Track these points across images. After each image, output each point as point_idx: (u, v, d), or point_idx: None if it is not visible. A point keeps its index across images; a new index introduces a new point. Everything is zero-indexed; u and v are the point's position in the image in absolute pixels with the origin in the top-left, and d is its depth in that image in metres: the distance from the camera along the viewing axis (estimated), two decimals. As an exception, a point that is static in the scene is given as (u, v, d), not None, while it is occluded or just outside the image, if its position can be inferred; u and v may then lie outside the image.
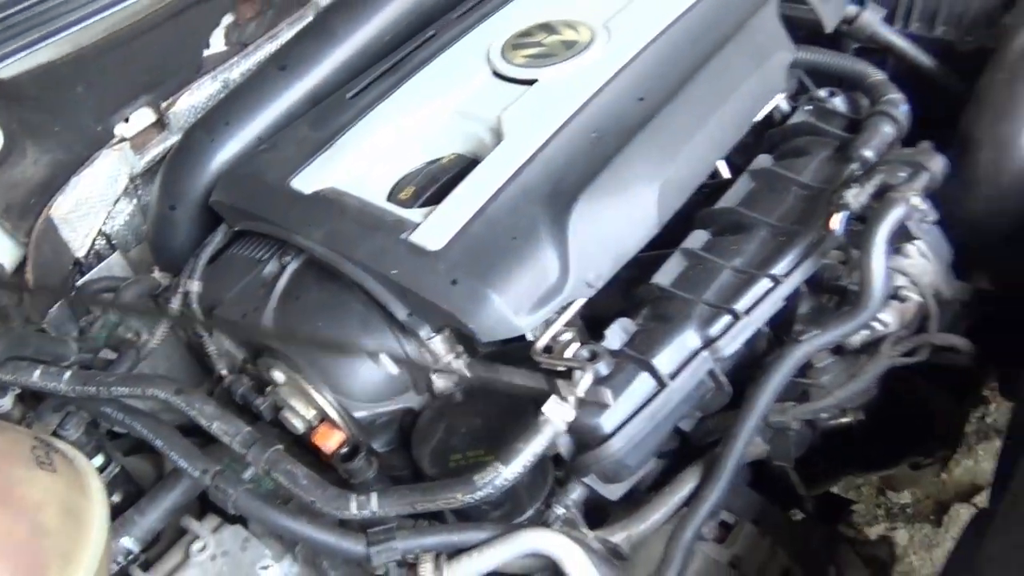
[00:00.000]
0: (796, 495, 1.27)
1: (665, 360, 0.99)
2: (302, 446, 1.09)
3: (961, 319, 1.17)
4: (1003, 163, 1.15)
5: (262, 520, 0.98)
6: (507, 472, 0.90)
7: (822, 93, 1.28)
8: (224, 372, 1.16)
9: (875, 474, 1.41)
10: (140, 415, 1.08)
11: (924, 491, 2.42)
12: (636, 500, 1.07)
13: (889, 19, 1.44)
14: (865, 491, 2.47)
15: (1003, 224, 1.18)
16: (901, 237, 1.05)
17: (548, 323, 1.02)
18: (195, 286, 1.19)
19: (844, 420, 1.13)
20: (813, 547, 1.16)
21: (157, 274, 1.29)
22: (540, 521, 1.00)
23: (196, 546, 1.03)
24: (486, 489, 0.90)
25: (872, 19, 1.38)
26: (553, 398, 0.93)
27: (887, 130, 1.15)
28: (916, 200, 1.00)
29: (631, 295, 1.11)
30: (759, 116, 1.24)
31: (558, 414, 0.92)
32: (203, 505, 1.12)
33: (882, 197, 1.02)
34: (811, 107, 1.27)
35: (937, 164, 1.06)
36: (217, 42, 1.55)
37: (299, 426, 1.07)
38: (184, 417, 1.07)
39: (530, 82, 1.22)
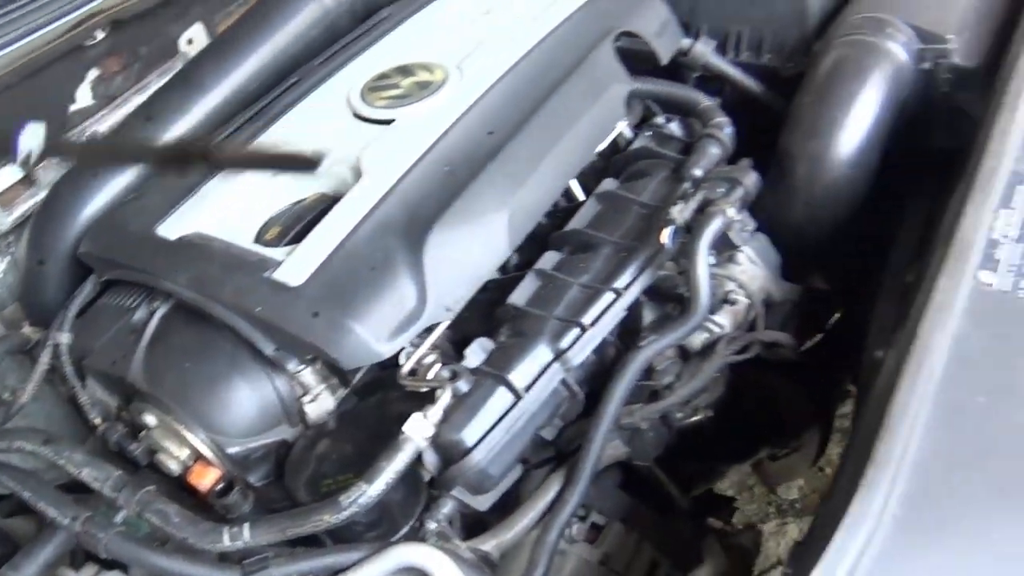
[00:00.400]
0: (670, 495, 1.36)
1: (520, 374, 1.06)
2: (183, 488, 1.11)
3: (791, 317, 1.28)
4: (816, 176, 1.28)
5: (135, 561, 1.00)
6: (371, 490, 0.95)
7: (660, 120, 1.40)
8: (98, 421, 1.17)
9: (735, 465, 1.50)
10: (7, 468, 1.08)
11: (810, 486, 2.57)
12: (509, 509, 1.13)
13: (722, 49, 1.58)
14: (756, 491, 2.61)
15: (820, 230, 1.31)
16: (727, 246, 1.16)
17: (415, 347, 1.09)
18: (64, 338, 1.20)
19: (695, 418, 1.22)
20: (679, 540, 1.24)
21: (27, 329, 1.30)
22: (415, 538, 1.05)
23: (72, 595, 1.04)
24: (352, 508, 0.94)
25: (704, 50, 1.51)
26: (414, 416, 0.99)
27: (714, 151, 1.27)
28: (732, 212, 1.11)
29: (492, 316, 1.18)
30: (603, 144, 1.34)
31: (418, 431, 0.98)
32: (87, 557, 1.13)
33: (704, 211, 1.12)
34: (650, 133, 1.38)
35: (751, 179, 1.17)
36: (84, 96, 1.57)
37: (174, 467, 1.09)
38: (63, 474, 1.07)
39: (388, 122, 1.29)
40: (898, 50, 1.31)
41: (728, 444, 1.35)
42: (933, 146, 1.37)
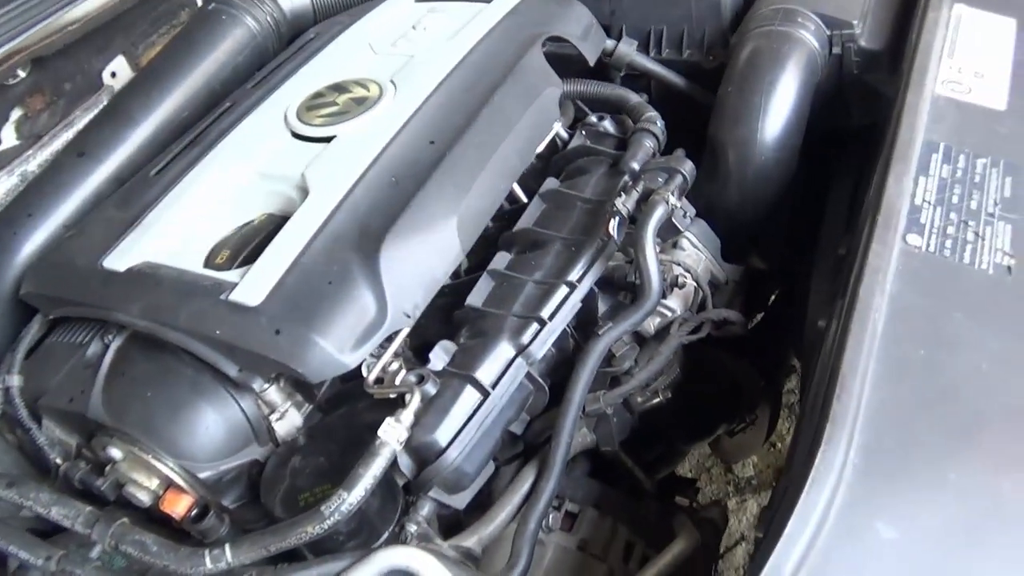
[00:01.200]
0: (636, 479, 1.39)
1: (485, 372, 1.09)
2: (154, 521, 1.09)
3: (736, 296, 1.34)
4: (746, 160, 1.35)
5: (118, 594, 0.99)
6: (351, 497, 0.96)
7: (593, 118, 1.44)
8: (59, 461, 1.14)
9: (697, 443, 1.55)
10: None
11: (764, 462, 2.66)
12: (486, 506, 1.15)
13: (644, 48, 1.64)
14: (714, 472, 2.69)
15: (755, 211, 1.38)
16: (671, 232, 1.21)
17: (377, 356, 1.10)
18: (15, 380, 1.17)
19: (656, 400, 1.26)
20: (651, 521, 1.28)
21: (-29, 377, 1.25)
22: (396, 542, 1.06)
23: (51, 639, 1.01)
24: (334, 517, 0.95)
25: (627, 50, 1.57)
26: (387, 421, 1.00)
27: (648, 144, 1.32)
28: (673, 199, 1.16)
29: (452, 320, 1.20)
30: (542, 146, 1.38)
31: (392, 435, 0.99)
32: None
33: (646, 200, 1.17)
34: (585, 131, 1.42)
35: (687, 167, 1.23)
36: (9, 136, 1.53)
37: (145, 499, 1.08)
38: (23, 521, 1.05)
39: (328, 139, 1.30)
40: (809, 37, 1.39)
41: (688, 423, 1.40)
42: (852, 125, 1.46)
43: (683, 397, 1.30)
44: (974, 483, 0.82)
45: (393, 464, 1.05)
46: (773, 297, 1.77)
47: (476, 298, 1.18)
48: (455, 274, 1.30)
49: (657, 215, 1.15)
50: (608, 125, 1.43)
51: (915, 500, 0.81)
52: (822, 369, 0.98)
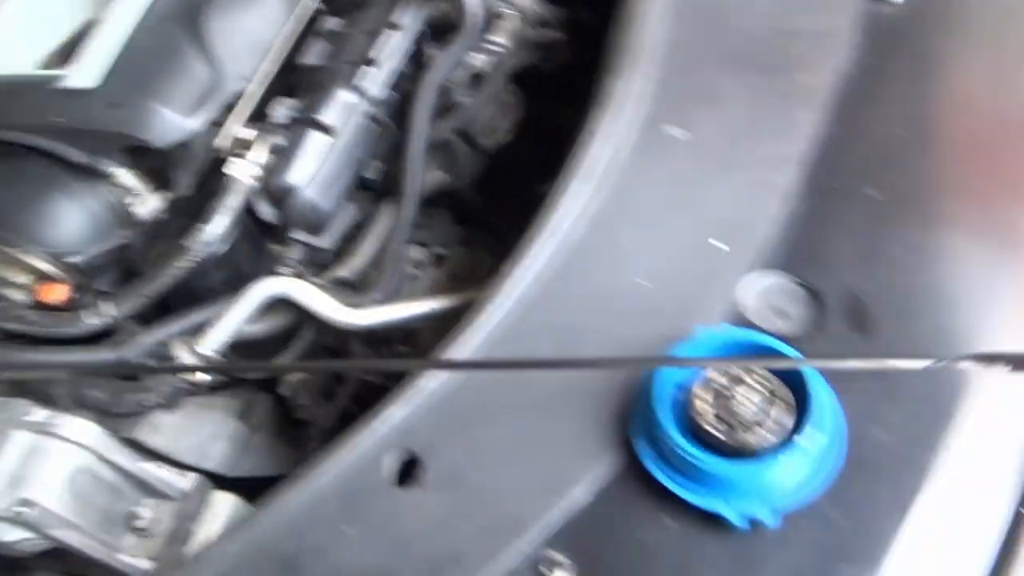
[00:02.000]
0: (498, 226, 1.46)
1: (327, 115, 1.14)
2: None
3: (564, 39, 1.40)
4: None
5: (5, 363, 1.03)
6: (210, 227, 1.02)
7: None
8: (-74, 282, 1.15)
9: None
10: None
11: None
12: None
13: None
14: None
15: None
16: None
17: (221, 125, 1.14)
18: None
19: (499, 137, 1.33)
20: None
21: None
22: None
23: (-48, 430, 1.04)
24: (196, 248, 1.01)
25: None
26: (232, 159, 1.05)
27: None
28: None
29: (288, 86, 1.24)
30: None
31: (239, 170, 1.05)
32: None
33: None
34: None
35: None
36: None
37: (21, 297, 1.11)
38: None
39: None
40: None
41: (538, 164, 1.48)
42: None
43: (529, 136, 1.37)
44: (749, 85, 0.94)
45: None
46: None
47: (308, 57, 1.22)
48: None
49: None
50: None
51: (702, 109, 0.92)
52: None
